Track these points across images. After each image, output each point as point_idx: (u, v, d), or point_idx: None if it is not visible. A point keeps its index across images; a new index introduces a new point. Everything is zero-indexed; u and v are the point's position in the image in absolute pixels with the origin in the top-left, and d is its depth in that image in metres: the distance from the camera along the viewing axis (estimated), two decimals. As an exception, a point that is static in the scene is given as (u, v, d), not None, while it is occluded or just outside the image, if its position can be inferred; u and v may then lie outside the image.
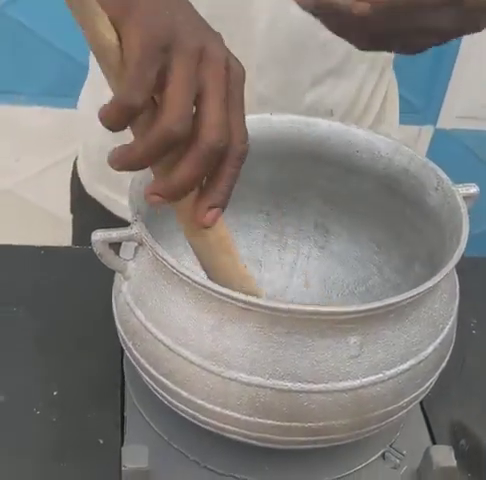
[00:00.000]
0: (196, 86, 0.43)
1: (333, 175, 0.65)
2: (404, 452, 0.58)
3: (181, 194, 0.45)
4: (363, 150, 0.62)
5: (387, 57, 0.80)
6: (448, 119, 1.58)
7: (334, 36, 0.53)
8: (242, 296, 0.47)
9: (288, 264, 0.70)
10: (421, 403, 0.61)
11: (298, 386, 0.48)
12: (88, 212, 0.89)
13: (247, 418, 0.50)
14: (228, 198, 0.47)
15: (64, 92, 1.40)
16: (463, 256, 0.52)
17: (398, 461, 0.57)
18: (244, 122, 0.46)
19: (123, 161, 0.44)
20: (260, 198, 0.68)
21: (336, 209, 0.68)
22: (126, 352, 0.55)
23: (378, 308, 0.47)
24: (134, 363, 0.54)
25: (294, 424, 0.50)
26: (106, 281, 0.57)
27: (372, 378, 0.49)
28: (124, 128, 0.43)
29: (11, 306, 0.64)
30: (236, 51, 0.46)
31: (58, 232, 1.07)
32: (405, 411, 0.53)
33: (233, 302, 0.47)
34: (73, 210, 0.95)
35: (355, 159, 0.63)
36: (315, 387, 0.49)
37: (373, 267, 0.67)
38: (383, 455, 0.57)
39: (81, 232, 0.91)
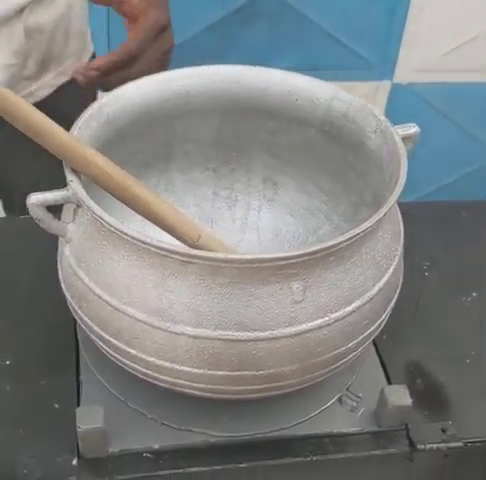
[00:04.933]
0: None
1: (275, 127, 0.64)
2: (360, 395, 0.58)
3: None
4: (302, 98, 0.61)
5: None
6: (405, 73, 1.58)
7: None
8: (181, 249, 0.47)
9: (239, 219, 0.70)
10: (376, 345, 0.61)
11: (245, 335, 0.49)
12: None
13: (198, 371, 0.50)
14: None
15: None
16: (402, 200, 0.52)
17: (355, 404, 0.58)
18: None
19: None
20: (206, 155, 0.67)
21: (282, 161, 0.67)
22: (75, 316, 0.55)
23: (317, 251, 0.47)
24: (83, 326, 0.54)
25: (244, 373, 0.50)
26: (54, 249, 0.56)
27: (318, 322, 0.49)
28: None
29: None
30: None
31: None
32: (356, 353, 0.54)
33: (173, 256, 0.47)
34: None
35: (295, 108, 0.62)
36: (262, 335, 0.49)
37: (322, 216, 0.67)
38: (340, 399, 0.58)
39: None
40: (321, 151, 0.64)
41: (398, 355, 0.61)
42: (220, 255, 0.46)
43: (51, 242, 0.56)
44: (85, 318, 0.53)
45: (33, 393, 0.56)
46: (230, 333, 0.48)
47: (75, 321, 0.60)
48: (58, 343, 0.59)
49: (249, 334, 0.49)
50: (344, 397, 0.58)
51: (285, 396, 0.56)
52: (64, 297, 0.55)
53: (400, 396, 0.55)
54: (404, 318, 0.63)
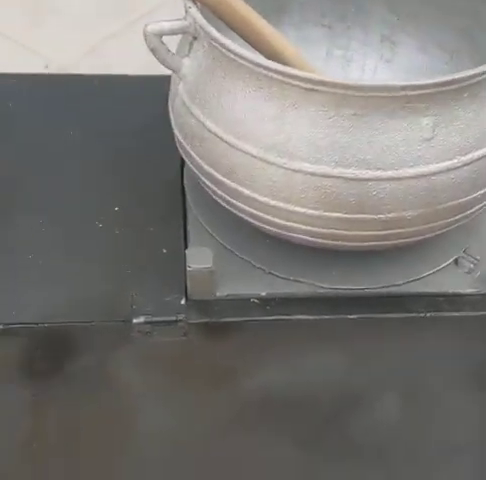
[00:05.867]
0: None
1: (399, -25, 0.60)
2: (478, 257, 0.55)
3: None
4: None
5: None
6: None
7: None
8: (305, 74, 0.45)
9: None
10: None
11: (366, 173, 0.46)
12: None
13: (313, 212, 0.48)
14: None
15: None
16: None
17: (472, 266, 0.55)
18: None
19: None
20: (321, 9, 0.63)
21: (402, 17, 0.62)
22: (185, 159, 0.53)
23: (451, 82, 0.44)
24: (194, 169, 0.53)
25: (363, 216, 0.47)
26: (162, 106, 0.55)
27: (446, 164, 0.46)
28: None
29: (67, 130, 0.63)
30: None
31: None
32: (481, 207, 0.50)
33: (296, 83, 0.44)
34: None
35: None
36: (385, 174, 0.46)
37: (443, 77, 0.63)
38: (456, 261, 0.55)
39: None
40: (447, 3, 0.59)
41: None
42: (347, 81, 0.44)
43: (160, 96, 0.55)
44: (197, 158, 0.51)
45: (141, 238, 0.55)
46: (351, 171, 0.46)
47: (182, 170, 0.60)
48: (165, 192, 0.58)
49: (371, 173, 0.46)
50: (461, 259, 0.55)
51: (399, 252, 0.53)
52: (172, 145, 0.54)
53: (523, 257, 0.52)
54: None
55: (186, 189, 0.59)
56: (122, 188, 0.59)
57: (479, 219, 0.57)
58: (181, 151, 0.53)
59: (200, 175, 0.52)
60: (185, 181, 0.59)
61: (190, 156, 0.52)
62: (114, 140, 0.63)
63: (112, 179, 0.60)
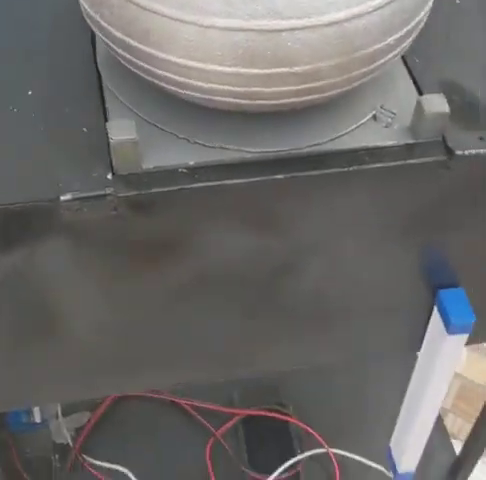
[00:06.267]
0: None
1: None
2: (395, 111, 0.56)
3: None
4: None
5: None
6: None
7: None
8: None
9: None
10: (409, 67, 0.59)
11: (279, 24, 0.46)
12: None
13: (230, 70, 0.48)
14: None
15: None
16: None
17: (390, 120, 0.56)
18: None
19: None
20: None
21: None
22: (96, 31, 0.52)
23: None
24: (106, 39, 0.51)
25: (279, 70, 0.48)
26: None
27: (357, 8, 0.46)
28: None
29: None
30: None
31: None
32: (394, 54, 0.51)
33: None
34: None
35: None
36: (297, 23, 0.46)
37: None
38: (374, 116, 0.56)
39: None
40: None
41: (432, 75, 0.58)
42: None
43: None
44: (108, 27, 0.50)
45: (59, 119, 0.54)
46: (264, 23, 0.46)
47: (94, 46, 0.58)
48: (78, 71, 0.56)
49: (284, 23, 0.46)
50: (379, 114, 0.56)
51: (319, 112, 0.54)
52: (80, 22, 0.53)
53: (438, 104, 0.53)
54: (436, 39, 0.60)
55: (99, 65, 0.57)
56: (33, 71, 0.57)
57: (393, 75, 0.58)
58: (90, 23, 0.52)
59: (112, 45, 0.51)
60: (98, 57, 0.58)
61: (100, 26, 0.51)
62: (19, 26, 0.60)
63: (22, 63, 0.58)
